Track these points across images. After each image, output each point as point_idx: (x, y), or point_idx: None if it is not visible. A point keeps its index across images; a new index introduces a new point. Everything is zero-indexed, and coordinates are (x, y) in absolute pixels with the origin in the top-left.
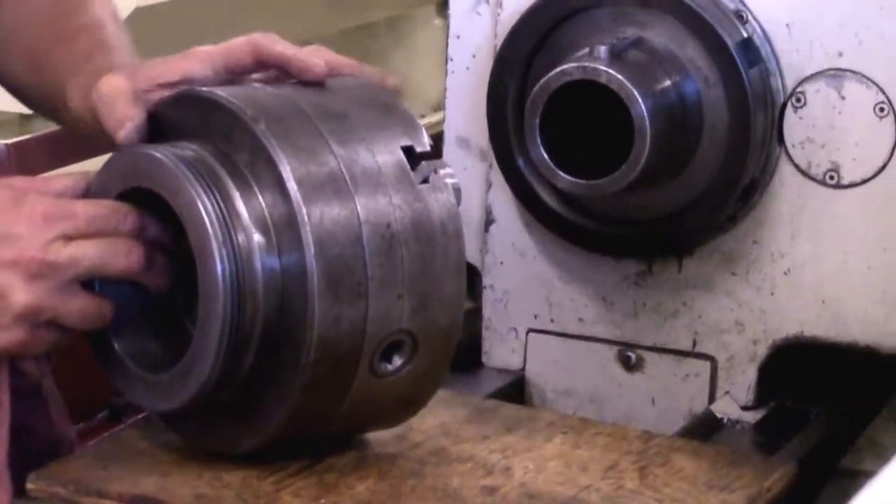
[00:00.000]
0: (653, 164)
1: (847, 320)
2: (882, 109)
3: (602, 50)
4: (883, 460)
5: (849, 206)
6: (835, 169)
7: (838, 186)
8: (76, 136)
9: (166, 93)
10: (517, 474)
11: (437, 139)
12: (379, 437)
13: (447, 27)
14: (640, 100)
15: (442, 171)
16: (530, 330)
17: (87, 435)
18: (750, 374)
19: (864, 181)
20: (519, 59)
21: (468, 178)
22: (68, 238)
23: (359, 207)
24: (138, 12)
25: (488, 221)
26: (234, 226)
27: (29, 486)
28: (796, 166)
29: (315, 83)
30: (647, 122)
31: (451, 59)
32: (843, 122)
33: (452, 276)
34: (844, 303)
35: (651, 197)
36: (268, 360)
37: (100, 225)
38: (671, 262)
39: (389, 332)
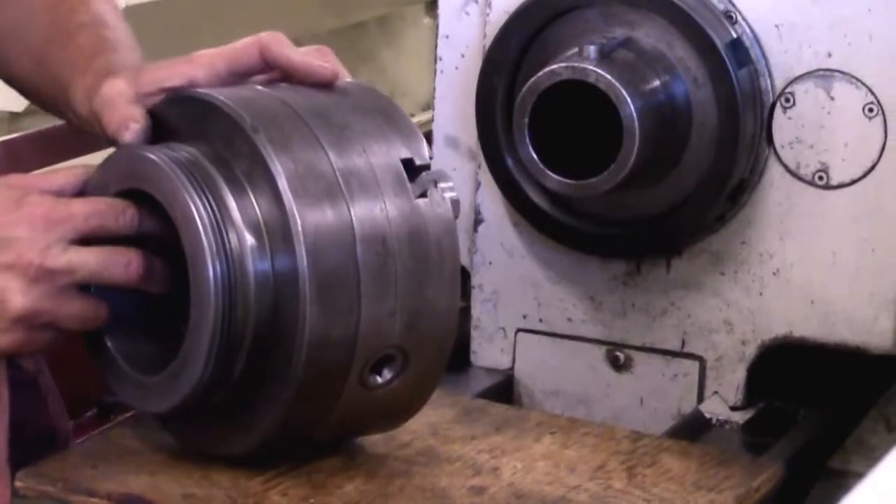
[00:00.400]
0: (641, 164)
1: (836, 321)
2: (871, 110)
3: (591, 50)
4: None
5: (838, 207)
6: (824, 169)
7: (827, 187)
8: (67, 133)
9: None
10: (505, 474)
11: (426, 138)
12: (367, 437)
13: (436, 27)
14: (628, 100)
15: (441, 185)
16: (519, 330)
17: (76, 433)
18: (739, 375)
19: (853, 182)
20: (508, 58)
21: (457, 177)
22: (68, 242)
23: (355, 222)
24: (126, 11)
25: (477, 221)
26: (227, 232)
27: (17, 483)
28: (785, 167)
29: (319, 87)
30: (636, 123)
31: (441, 59)
32: (832, 122)
33: (446, 291)
34: (833, 303)
35: (640, 197)
36: (259, 364)
37: (98, 221)
38: (660, 262)
39: (380, 348)
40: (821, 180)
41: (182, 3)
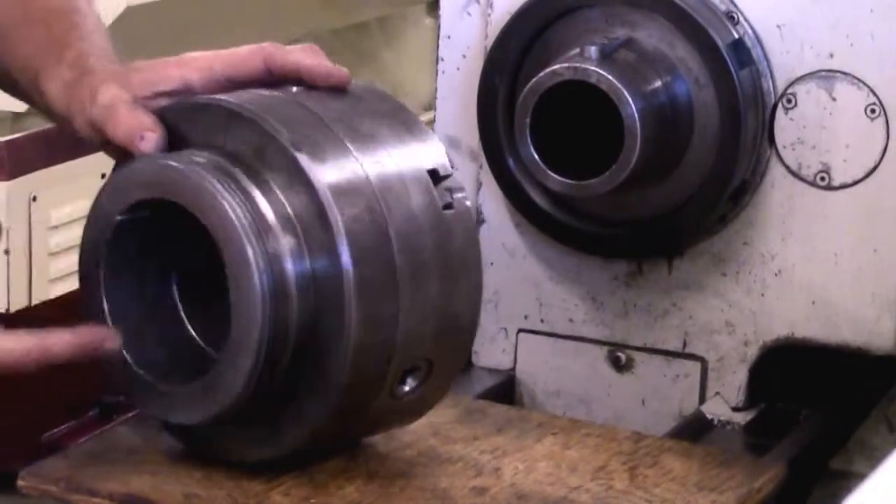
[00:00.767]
0: (643, 164)
1: (837, 321)
2: (873, 111)
3: (592, 50)
4: (873, 462)
5: (840, 208)
6: (825, 170)
7: (829, 188)
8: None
9: (164, 101)
10: (507, 475)
11: None
12: (369, 438)
13: (438, 27)
14: (630, 100)
15: (458, 195)
16: (520, 330)
17: (77, 433)
18: (740, 375)
19: (855, 182)
20: (509, 59)
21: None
22: None
23: (392, 233)
24: (129, 11)
25: (478, 221)
26: (269, 244)
27: (20, 483)
28: (787, 167)
29: (330, 91)
30: (638, 123)
31: (442, 59)
32: (833, 123)
33: (471, 304)
34: (835, 304)
35: (641, 197)
36: (296, 373)
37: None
38: (661, 262)
39: (412, 358)
40: (822, 181)
41: (183, 4)
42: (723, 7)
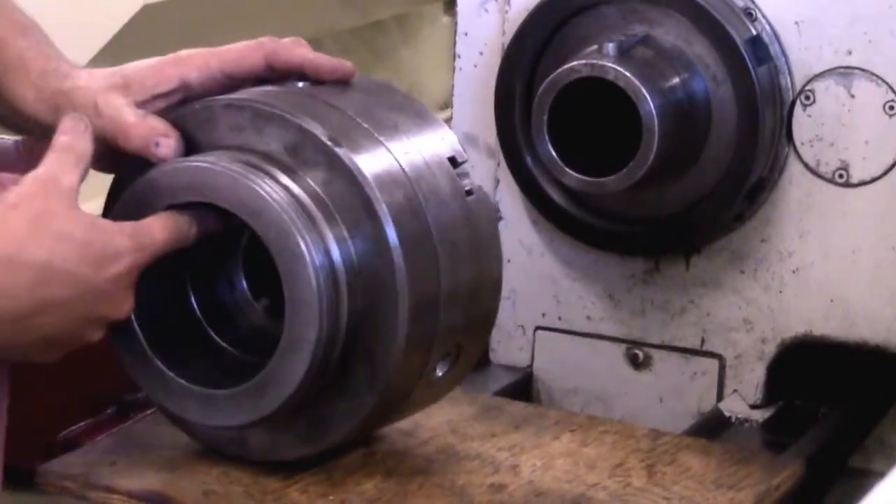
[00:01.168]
0: (660, 161)
1: (855, 319)
2: (892, 108)
3: (610, 47)
4: (892, 460)
5: (858, 205)
6: (844, 167)
7: (847, 185)
8: None
9: (162, 103)
10: (525, 472)
11: None
12: (387, 435)
13: (455, 24)
14: (648, 97)
15: (475, 182)
16: (538, 327)
17: (95, 430)
18: (758, 373)
19: (874, 179)
20: (527, 56)
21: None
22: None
23: (432, 226)
24: (146, 10)
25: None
26: (320, 245)
27: (38, 479)
28: (805, 165)
29: (338, 86)
30: (656, 120)
31: (459, 57)
32: (852, 120)
33: (495, 289)
34: (853, 302)
35: (659, 194)
36: (341, 373)
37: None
38: (679, 259)
39: (448, 347)
40: (841, 178)
41: (199, 2)
42: (741, 3)
